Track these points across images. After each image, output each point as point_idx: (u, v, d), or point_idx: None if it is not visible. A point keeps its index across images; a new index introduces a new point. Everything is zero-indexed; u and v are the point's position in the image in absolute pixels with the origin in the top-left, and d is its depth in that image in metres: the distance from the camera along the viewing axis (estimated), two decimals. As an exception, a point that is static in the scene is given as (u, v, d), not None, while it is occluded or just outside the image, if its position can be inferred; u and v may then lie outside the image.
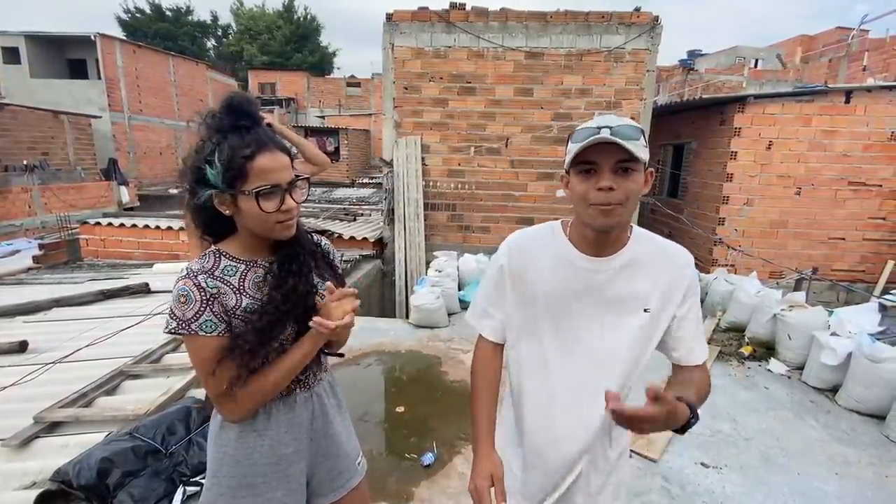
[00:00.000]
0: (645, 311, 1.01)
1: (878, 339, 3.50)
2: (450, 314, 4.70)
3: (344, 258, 5.38)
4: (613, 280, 1.02)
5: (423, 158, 6.08)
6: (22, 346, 2.90)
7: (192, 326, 0.96)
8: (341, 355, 1.32)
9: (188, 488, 2.00)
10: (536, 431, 1.10)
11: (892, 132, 5.63)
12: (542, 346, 1.07)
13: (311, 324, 1.02)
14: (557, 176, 5.97)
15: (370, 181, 15.14)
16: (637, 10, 5.58)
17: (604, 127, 0.89)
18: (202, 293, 0.98)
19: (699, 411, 0.92)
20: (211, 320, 0.98)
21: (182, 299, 0.97)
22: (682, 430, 0.91)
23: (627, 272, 1.02)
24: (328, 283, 1.07)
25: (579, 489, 1.10)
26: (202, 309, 0.97)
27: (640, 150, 0.89)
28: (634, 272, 1.02)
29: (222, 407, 1.04)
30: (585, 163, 0.92)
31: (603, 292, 1.02)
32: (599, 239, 1.01)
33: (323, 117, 24.41)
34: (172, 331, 0.97)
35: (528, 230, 1.15)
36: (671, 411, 0.82)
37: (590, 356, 1.03)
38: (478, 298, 1.20)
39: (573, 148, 0.93)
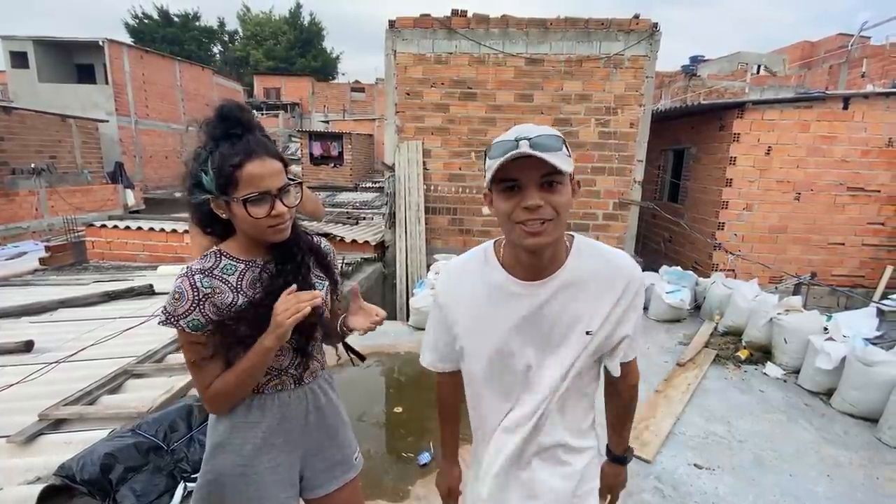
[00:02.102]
0: (587, 333, 0.96)
1: (876, 344, 3.53)
2: (449, 317, 4.73)
3: (346, 261, 5.43)
4: (552, 304, 0.95)
5: (424, 163, 6.14)
6: (28, 346, 2.96)
7: (180, 322, 1.02)
8: (362, 357, 1.37)
9: (189, 484, 2.04)
10: (487, 458, 1.09)
11: (890, 138, 5.66)
12: (487, 376, 1.03)
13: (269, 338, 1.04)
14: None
15: (373, 185, 15.24)
16: (636, 17, 5.64)
17: (522, 139, 0.82)
18: (195, 293, 1.03)
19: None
20: (198, 319, 1.03)
21: (176, 296, 1.02)
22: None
23: (566, 294, 0.95)
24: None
25: None
26: (192, 308, 1.02)
27: (565, 161, 0.83)
28: (574, 293, 0.95)
29: (206, 400, 1.09)
30: (507, 179, 0.85)
31: (542, 319, 0.96)
32: (533, 261, 0.93)
33: (327, 122, 24.58)
34: (161, 322, 1.03)
35: (459, 260, 1.08)
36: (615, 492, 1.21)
37: (534, 382, 0.99)
38: (425, 339, 1.16)
39: (492, 164, 0.84)
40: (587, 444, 1.09)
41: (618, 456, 1.21)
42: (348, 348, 1.35)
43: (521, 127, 0.86)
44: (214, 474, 1.15)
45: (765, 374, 3.79)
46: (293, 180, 1.09)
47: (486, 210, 6.08)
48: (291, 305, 1.04)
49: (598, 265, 0.97)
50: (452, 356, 1.11)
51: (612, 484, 1.22)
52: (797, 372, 3.70)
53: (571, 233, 1.00)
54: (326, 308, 1.24)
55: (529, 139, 0.81)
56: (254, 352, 1.06)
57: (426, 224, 6.17)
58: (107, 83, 14.97)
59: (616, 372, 1.03)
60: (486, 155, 0.88)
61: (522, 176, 0.84)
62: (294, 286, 1.08)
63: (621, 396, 1.14)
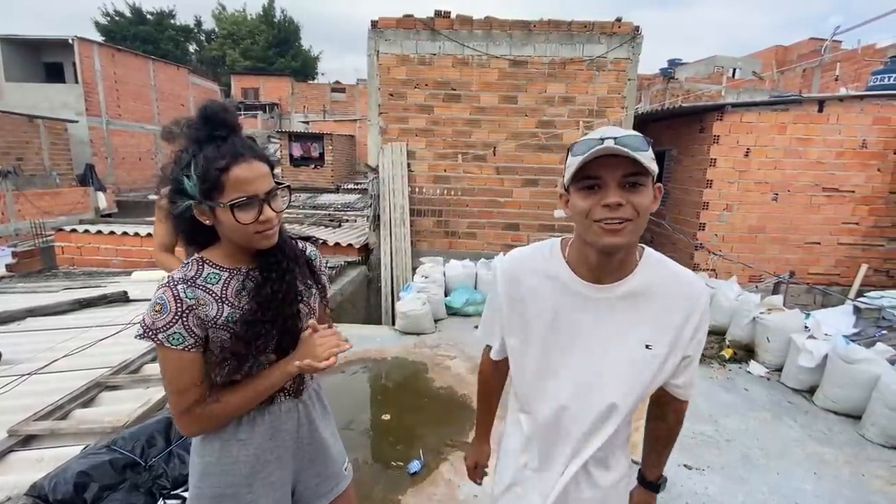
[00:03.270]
0: (647, 347, 0.93)
1: (853, 341, 3.61)
2: (436, 320, 4.69)
3: (329, 264, 5.34)
4: (614, 311, 0.93)
5: (408, 164, 6.08)
6: (-6, 358, 2.81)
7: (160, 336, 0.95)
8: None
9: (168, 501, 1.96)
10: (536, 449, 1.07)
11: (864, 140, 5.83)
12: (541, 373, 1.02)
13: (296, 365, 1.02)
14: (542, 182, 6.03)
15: (355, 187, 15.10)
16: (618, 20, 5.69)
17: (608, 138, 0.82)
18: (178, 304, 0.96)
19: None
20: (180, 333, 0.96)
21: (157, 307, 0.95)
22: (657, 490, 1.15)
23: (630, 303, 0.93)
24: (311, 321, 1.08)
25: None
26: (174, 320, 0.96)
27: (649, 161, 0.82)
28: (639, 303, 0.93)
29: (179, 421, 1.01)
30: (589, 177, 0.83)
31: (602, 324, 0.94)
32: (602, 263, 0.90)
33: (307, 122, 24.28)
34: (140, 336, 0.96)
35: (524, 251, 1.06)
36: None
37: (588, 388, 0.97)
38: (483, 319, 1.18)
39: (574, 161, 0.83)
40: (620, 461, 1.06)
41: (651, 482, 1.16)
42: None
43: (607, 128, 0.86)
44: (205, 497, 1.09)
45: (749, 372, 3.84)
46: (280, 184, 1.04)
47: (557, 212, 6.05)
48: (333, 344, 1.05)
49: (668, 280, 0.94)
50: (501, 344, 1.10)
51: None
52: (780, 370, 3.76)
53: (642, 245, 0.97)
54: (315, 316, 1.20)
55: (615, 138, 0.81)
56: (274, 375, 1.04)
57: (411, 226, 6.12)
58: (76, 82, 14.49)
59: (684, 395, 1.02)
60: (568, 153, 0.88)
61: (605, 174, 0.82)
62: (314, 322, 1.08)
63: (667, 420, 1.09)
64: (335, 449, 1.30)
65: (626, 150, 0.79)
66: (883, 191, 5.94)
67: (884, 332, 4.03)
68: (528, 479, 1.08)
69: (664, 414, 1.09)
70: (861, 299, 4.81)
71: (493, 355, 1.16)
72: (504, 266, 1.05)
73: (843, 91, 7.60)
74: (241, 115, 23.55)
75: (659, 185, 0.90)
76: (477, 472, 1.33)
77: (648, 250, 0.98)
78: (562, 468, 1.02)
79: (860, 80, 10.03)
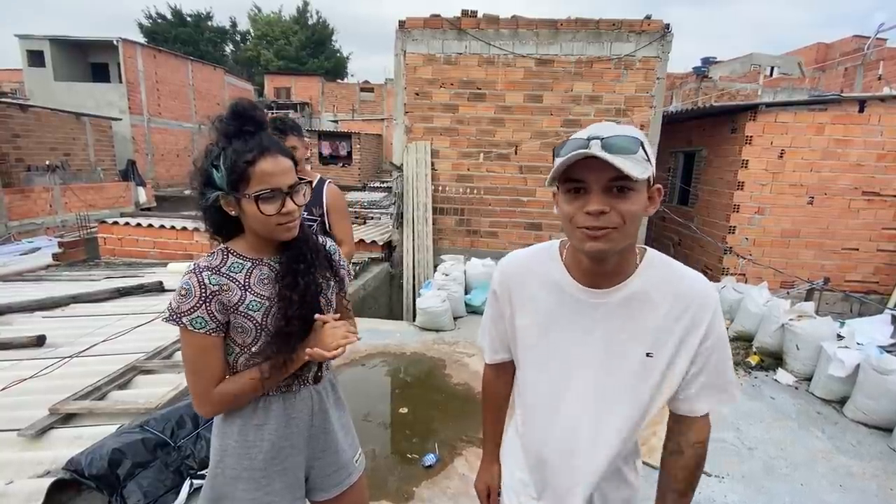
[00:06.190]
0: (648, 355, 0.86)
1: (890, 352, 3.46)
2: (455, 318, 4.73)
3: (353, 260, 5.44)
4: (611, 317, 0.87)
5: (432, 163, 6.14)
6: (40, 341, 3.00)
7: (183, 319, 1.01)
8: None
9: (195, 481, 2.06)
10: (540, 464, 1.00)
11: (908, 142, 5.55)
12: (539, 378, 0.96)
13: (306, 353, 1.07)
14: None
15: (381, 185, 15.29)
16: (647, 17, 5.59)
17: (594, 138, 0.74)
18: (202, 290, 1.02)
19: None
20: (202, 318, 1.02)
21: (182, 292, 1.01)
22: None
23: (629, 309, 0.86)
24: (320, 315, 1.12)
25: None
26: (197, 305, 1.01)
27: (638, 166, 0.73)
28: (638, 309, 0.86)
29: (197, 402, 1.07)
30: (572, 180, 0.77)
31: (598, 330, 0.88)
32: (595, 267, 0.85)
33: (336, 122, 24.70)
34: (165, 319, 1.02)
35: (523, 252, 1.01)
36: None
37: (587, 395, 0.90)
38: (482, 323, 1.11)
39: (557, 163, 0.77)
40: (627, 476, 0.98)
41: None
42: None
43: (599, 125, 0.78)
44: (224, 477, 1.15)
45: (776, 380, 3.73)
46: (302, 179, 1.10)
47: (557, 209, 6.01)
48: (342, 336, 1.09)
49: (671, 283, 0.86)
50: (504, 347, 1.05)
51: None
52: (809, 379, 3.63)
53: (645, 246, 0.91)
54: (333, 308, 1.24)
55: (602, 139, 0.73)
56: (292, 361, 1.10)
57: (433, 224, 6.18)
58: (120, 82, 15.20)
59: (687, 411, 0.91)
60: (554, 152, 0.80)
61: (589, 178, 0.75)
62: (351, 316, 1.13)
63: (684, 455, 0.92)
64: (347, 440, 1.33)
65: (607, 155, 0.71)
66: (928, 195, 5.66)
67: (924, 343, 3.85)
68: None
69: (679, 446, 0.93)
70: (901, 308, 4.60)
71: (488, 359, 1.10)
72: (503, 265, 1.00)
73: (886, 90, 7.24)
74: (272, 113, 24.17)
75: (658, 186, 0.82)
76: (491, 499, 1.15)
77: (650, 251, 0.90)
78: (572, 493, 0.95)
79: (907, 78, 9.54)
